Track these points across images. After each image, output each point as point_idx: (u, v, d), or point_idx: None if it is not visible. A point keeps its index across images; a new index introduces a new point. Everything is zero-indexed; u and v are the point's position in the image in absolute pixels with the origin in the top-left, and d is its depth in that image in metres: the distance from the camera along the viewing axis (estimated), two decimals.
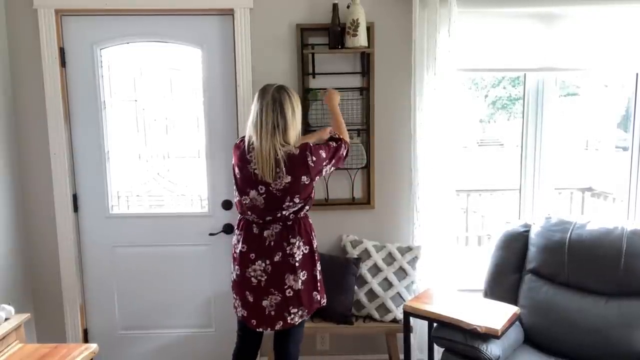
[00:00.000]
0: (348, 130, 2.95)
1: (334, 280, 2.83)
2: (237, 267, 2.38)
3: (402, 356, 2.75)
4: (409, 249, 2.92)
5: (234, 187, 2.39)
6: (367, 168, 3.00)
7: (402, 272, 2.88)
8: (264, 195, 2.25)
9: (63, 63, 2.92)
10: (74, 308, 3.10)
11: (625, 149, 3.37)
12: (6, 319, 2.35)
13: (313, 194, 2.38)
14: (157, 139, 3.06)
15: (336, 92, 2.66)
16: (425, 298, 2.60)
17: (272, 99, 2.22)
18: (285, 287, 2.30)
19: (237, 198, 2.36)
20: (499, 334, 2.26)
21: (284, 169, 2.19)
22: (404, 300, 2.79)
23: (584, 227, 2.59)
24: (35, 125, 2.94)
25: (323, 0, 2.84)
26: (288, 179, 2.21)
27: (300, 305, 2.34)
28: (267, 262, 2.30)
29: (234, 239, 2.44)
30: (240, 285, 2.37)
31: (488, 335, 2.27)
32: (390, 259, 2.91)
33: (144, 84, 3.00)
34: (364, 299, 2.86)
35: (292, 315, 2.34)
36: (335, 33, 2.77)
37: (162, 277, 3.12)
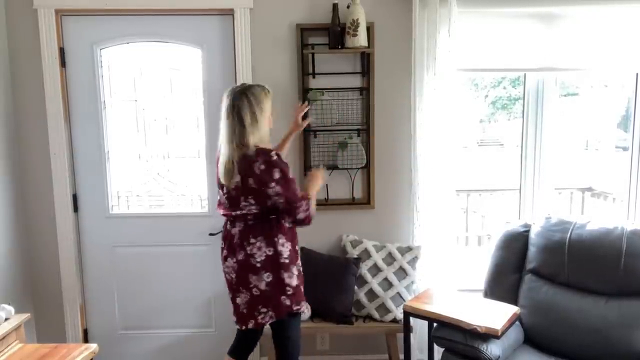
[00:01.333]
0: (348, 130, 2.97)
1: (334, 280, 2.83)
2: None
3: (402, 356, 2.75)
4: (409, 249, 2.92)
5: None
6: (367, 168, 3.00)
7: (402, 272, 2.88)
8: (226, 194, 2.30)
9: (63, 63, 2.92)
10: (74, 308, 3.10)
11: (625, 149, 3.37)
12: (6, 319, 2.35)
13: (276, 208, 2.25)
14: (157, 139, 3.06)
15: (322, 178, 2.48)
16: (425, 298, 2.60)
17: (232, 105, 2.21)
18: (251, 285, 2.28)
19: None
20: (499, 334, 2.26)
21: (235, 169, 2.21)
22: (404, 300, 2.79)
23: (584, 227, 2.59)
24: (35, 125, 2.94)
25: (323, 0, 2.84)
26: (237, 178, 2.21)
27: (268, 306, 2.30)
28: (234, 260, 2.31)
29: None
30: (225, 281, 2.42)
31: (488, 335, 2.27)
32: (390, 259, 2.91)
33: (144, 84, 3.00)
34: (364, 299, 2.86)
35: (262, 315, 2.30)
36: (335, 33, 2.77)
37: (162, 277, 3.12)
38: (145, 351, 3.20)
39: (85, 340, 3.16)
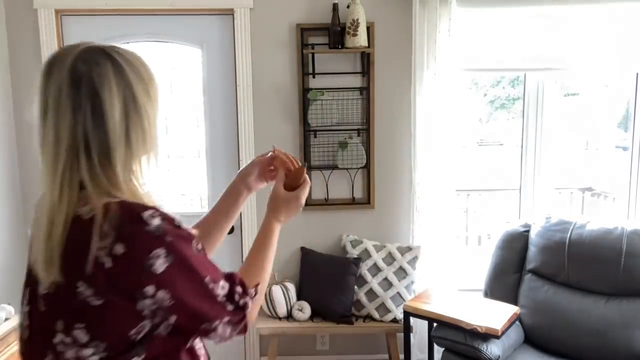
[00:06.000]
0: (348, 129, 2.96)
1: (334, 280, 2.83)
2: None
3: (402, 356, 2.75)
4: (409, 249, 2.92)
5: None
6: (367, 168, 3.00)
7: (402, 272, 2.87)
8: (29, 309, 1.02)
9: None
10: None
11: (625, 149, 3.36)
12: (6, 319, 2.35)
13: (151, 341, 0.96)
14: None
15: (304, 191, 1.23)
16: (425, 298, 2.60)
17: (71, 79, 0.93)
18: None
19: None
20: (499, 334, 2.26)
21: (57, 250, 0.92)
22: (404, 300, 2.79)
23: (584, 227, 2.59)
24: (36, 125, 2.94)
25: (323, 0, 2.84)
26: (56, 275, 0.92)
27: None
28: None
29: None
30: None
31: (488, 335, 2.27)
32: (390, 258, 2.91)
33: None
34: (364, 298, 2.86)
35: None
36: (335, 33, 2.77)
37: None
38: None
39: None
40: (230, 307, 0.99)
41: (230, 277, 1.01)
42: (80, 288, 0.90)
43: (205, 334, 1.02)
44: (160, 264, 0.90)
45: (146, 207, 0.92)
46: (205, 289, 0.95)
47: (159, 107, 1.01)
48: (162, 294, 0.91)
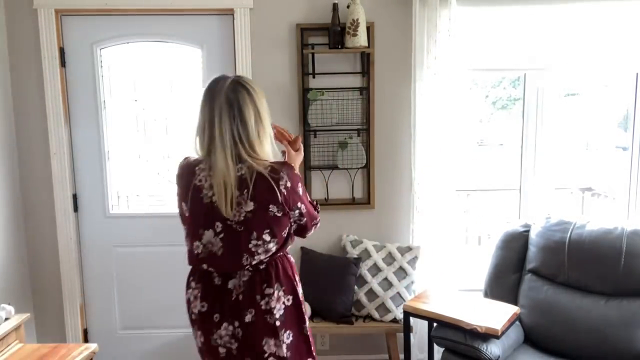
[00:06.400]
0: (348, 129, 2.96)
1: (334, 280, 2.83)
2: (198, 332, 1.77)
3: (402, 356, 2.75)
4: (409, 249, 2.92)
5: (185, 231, 1.82)
6: (367, 168, 3.00)
7: (402, 272, 2.87)
8: (222, 236, 1.66)
9: (63, 63, 2.92)
10: (74, 308, 3.09)
11: (625, 149, 3.36)
12: (6, 319, 2.35)
13: (290, 234, 1.78)
14: (157, 138, 3.06)
15: (299, 156, 1.93)
16: (425, 298, 2.60)
17: (227, 101, 1.64)
18: (266, 355, 1.70)
19: (187, 246, 1.78)
20: (499, 333, 2.26)
21: (246, 192, 1.62)
22: (404, 300, 2.79)
23: (584, 227, 2.59)
24: (35, 125, 2.94)
25: (323, 0, 2.84)
26: (250, 206, 1.63)
27: None
28: (236, 324, 1.69)
29: (188, 293, 1.79)
30: (207, 355, 1.78)
31: (488, 335, 2.27)
32: (390, 258, 2.91)
33: (144, 84, 3.00)
34: (364, 298, 2.86)
35: None
36: (335, 33, 2.77)
37: (162, 277, 3.12)
38: (145, 351, 3.20)
39: (85, 340, 3.16)
40: (316, 211, 1.87)
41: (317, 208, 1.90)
42: (272, 208, 1.65)
43: (311, 228, 1.83)
44: (300, 189, 1.72)
45: (288, 164, 1.73)
46: (312, 204, 1.85)
47: (269, 113, 1.73)
48: (301, 206, 1.73)
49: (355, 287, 2.86)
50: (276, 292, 1.70)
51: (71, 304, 3.08)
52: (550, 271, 2.62)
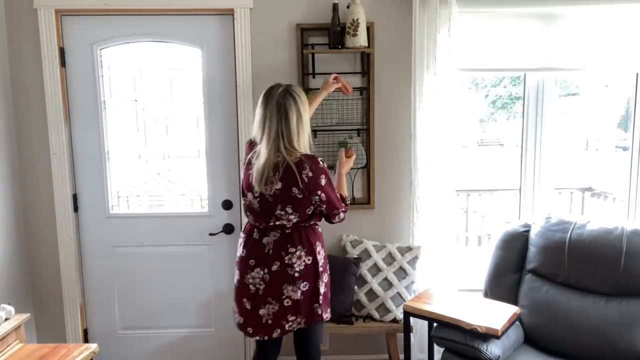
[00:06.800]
0: (348, 130, 2.97)
1: (334, 280, 2.82)
2: (237, 271, 2.33)
3: (402, 356, 2.75)
4: (409, 249, 2.92)
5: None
6: (367, 168, 3.00)
7: (402, 272, 2.88)
8: (259, 199, 2.21)
9: (63, 63, 2.92)
10: (74, 308, 3.10)
11: (625, 149, 3.37)
12: (6, 319, 2.35)
13: (315, 214, 2.29)
14: (157, 139, 3.06)
15: (350, 162, 2.58)
16: (425, 298, 2.60)
17: (277, 105, 2.15)
18: (283, 297, 2.24)
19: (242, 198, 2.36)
20: (499, 334, 2.26)
21: (277, 174, 2.14)
22: (404, 300, 2.79)
23: (584, 227, 2.59)
24: (35, 125, 2.94)
25: (323, 0, 2.84)
26: (278, 185, 2.15)
27: (298, 314, 2.27)
28: (266, 270, 2.24)
29: (239, 241, 2.40)
30: (239, 291, 2.32)
31: (488, 335, 2.27)
32: (390, 259, 2.91)
33: (144, 84, 3.00)
34: (364, 299, 2.86)
35: (290, 323, 2.27)
36: (335, 33, 2.77)
37: (162, 277, 3.12)
38: (145, 351, 3.20)
39: (85, 340, 3.16)
40: (343, 205, 2.33)
41: (339, 194, 2.36)
42: (294, 190, 2.15)
43: (333, 216, 2.30)
44: (322, 181, 2.18)
45: (316, 157, 2.19)
46: (336, 195, 2.29)
47: (308, 115, 2.25)
48: (322, 195, 2.20)
49: (356, 287, 2.86)
50: (298, 252, 2.24)
51: (71, 304, 3.09)
52: (550, 271, 2.62)
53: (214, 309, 3.16)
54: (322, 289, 2.31)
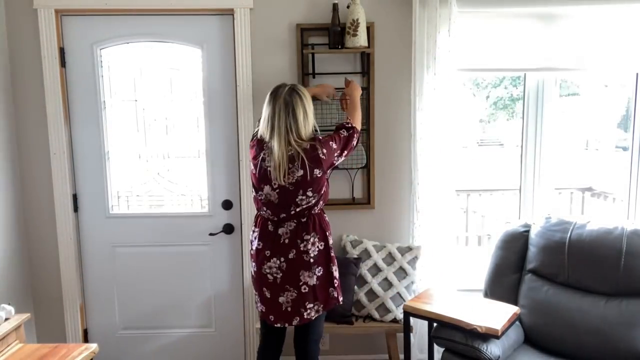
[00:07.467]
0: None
1: None
2: (253, 263, 2.43)
3: (402, 356, 2.75)
4: (409, 249, 2.92)
5: (252, 184, 2.45)
6: (367, 168, 3.00)
7: (402, 272, 2.88)
8: (277, 190, 2.30)
9: (63, 63, 2.92)
10: (74, 308, 3.10)
11: (625, 149, 3.37)
12: (6, 319, 2.35)
13: (326, 189, 2.43)
14: (157, 139, 3.06)
15: (358, 87, 2.71)
16: (425, 298, 2.60)
17: (284, 102, 2.28)
18: (301, 283, 2.34)
19: (254, 194, 2.42)
20: (499, 334, 2.26)
21: (296, 163, 2.27)
22: (404, 300, 2.79)
23: (584, 227, 2.59)
24: (35, 125, 2.94)
25: (323, 0, 2.84)
26: (300, 172, 2.27)
27: (316, 300, 2.37)
28: (282, 259, 2.34)
29: (251, 235, 2.48)
30: (257, 281, 2.42)
31: (488, 335, 2.27)
32: (390, 259, 2.91)
33: (144, 84, 3.00)
34: (364, 299, 2.86)
35: (309, 311, 2.36)
36: (335, 33, 2.77)
37: (162, 277, 3.12)
38: (145, 351, 3.20)
39: (85, 340, 3.16)
40: (354, 135, 2.50)
41: (350, 129, 2.48)
42: (316, 171, 2.29)
43: (355, 142, 2.51)
44: (334, 145, 2.37)
45: (317, 136, 2.36)
46: (345, 138, 2.46)
47: (313, 110, 2.38)
48: (338, 150, 2.40)
49: (356, 287, 2.86)
50: (312, 239, 2.35)
51: (71, 304, 3.09)
52: (550, 271, 2.62)
53: (214, 309, 3.16)
54: (335, 272, 2.43)
